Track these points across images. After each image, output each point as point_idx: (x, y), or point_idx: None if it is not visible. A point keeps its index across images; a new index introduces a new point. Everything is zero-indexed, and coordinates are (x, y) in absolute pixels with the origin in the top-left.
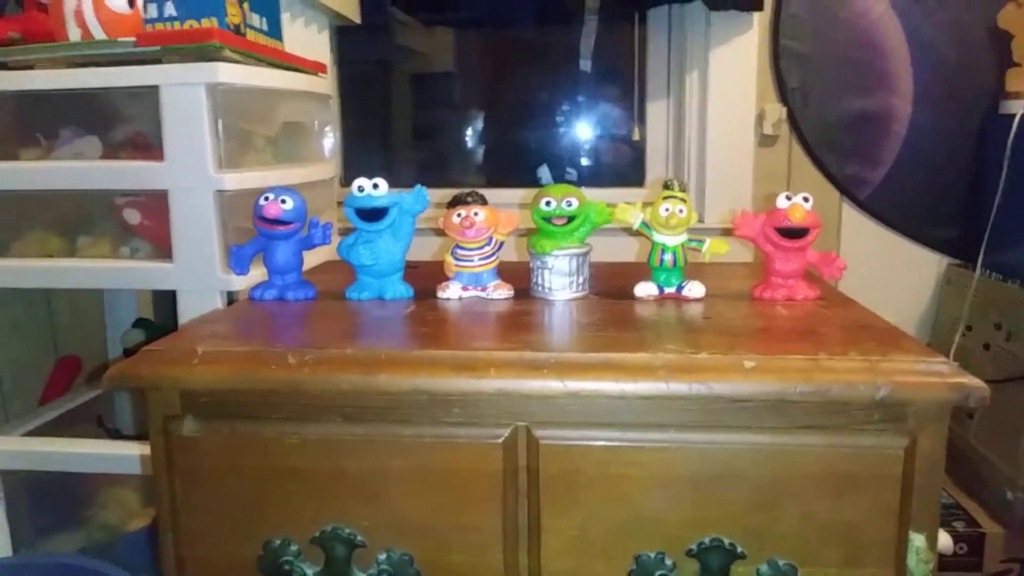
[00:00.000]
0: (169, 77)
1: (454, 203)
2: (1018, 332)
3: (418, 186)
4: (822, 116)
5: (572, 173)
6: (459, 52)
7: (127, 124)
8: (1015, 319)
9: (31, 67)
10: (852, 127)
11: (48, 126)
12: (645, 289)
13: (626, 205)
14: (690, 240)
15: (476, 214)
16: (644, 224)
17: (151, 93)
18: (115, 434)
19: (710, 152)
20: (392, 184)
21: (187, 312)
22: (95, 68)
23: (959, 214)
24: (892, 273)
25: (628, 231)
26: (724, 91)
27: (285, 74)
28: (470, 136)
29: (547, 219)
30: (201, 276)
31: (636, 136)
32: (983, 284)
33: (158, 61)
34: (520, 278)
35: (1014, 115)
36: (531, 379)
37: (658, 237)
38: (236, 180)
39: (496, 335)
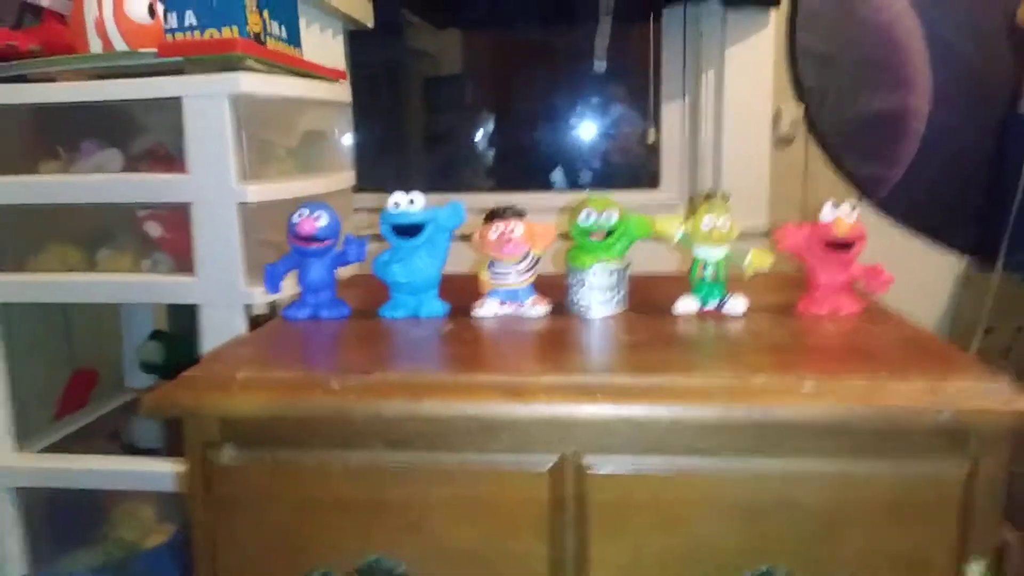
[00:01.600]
0: (192, 88)
1: (490, 218)
2: None
3: (453, 201)
4: (839, 115)
5: (586, 176)
6: (471, 55)
7: (148, 136)
8: None
9: (52, 79)
10: (870, 126)
11: (68, 139)
12: (686, 306)
13: (666, 218)
14: (732, 254)
15: (513, 230)
16: (685, 238)
17: (172, 104)
18: (131, 449)
19: (726, 153)
20: (404, 188)
21: (209, 326)
22: (116, 80)
23: (978, 213)
24: (910, 273)
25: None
26: (740, 90)
27: (306, 82)
28: (482, 140)
29: (586, 233)
30: (224, 290)
31: (651, 138)
32: (1004, 285)
33: (180, 72)
34: (554, 290)
35: None
36: (583, 404)
37: (700, 252)
38: (259, 192)
39: (541, 356)
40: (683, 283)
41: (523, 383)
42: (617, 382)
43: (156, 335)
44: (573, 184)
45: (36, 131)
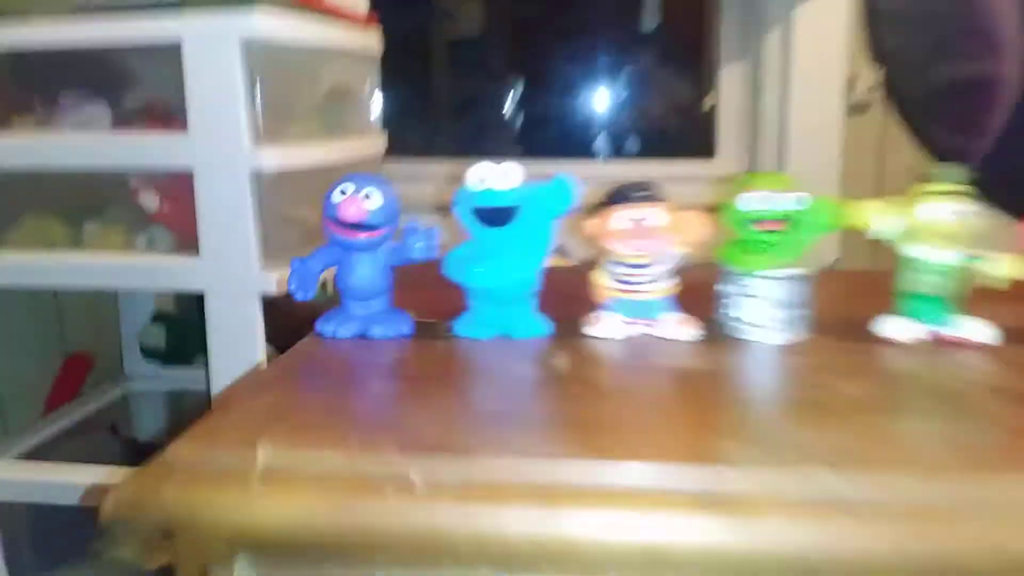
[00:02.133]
0: (195, 29)
1: (616, 200)
2: None
3: (560, 176)
4: (923, 80)
5: (633, 144)
6: (508, 12)
7: (142, 88)
8: None
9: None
10: (955, 93)
11: (47, 90)
12: (900, 329)
13: (868, 204)
14: (970, 257)
15: (652, 218)
16: (898, 232)
17: (173, 49)
18: (131, 444)
19: (793, 121)
20: (430, 155)
21: (217, 316)
22: (105, 19)
23: None
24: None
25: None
26: (810, 53)
27: (332, 28)
28: (518, 105)
29: (751, 222)
30: (234, 274)
31: (708, 103)
32: None
33: (181, 8)
34: (684, 300)
35: None
36: (835, 520)
37: (919, 252)
38: (276, 157)
39: (735, 421)
40: (872, 286)
41: (724, 487)
42: (891, 482)
43: (159, 317)
44: (619, 153)
45: (9, 80)
